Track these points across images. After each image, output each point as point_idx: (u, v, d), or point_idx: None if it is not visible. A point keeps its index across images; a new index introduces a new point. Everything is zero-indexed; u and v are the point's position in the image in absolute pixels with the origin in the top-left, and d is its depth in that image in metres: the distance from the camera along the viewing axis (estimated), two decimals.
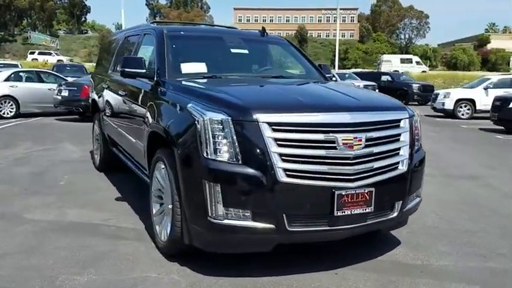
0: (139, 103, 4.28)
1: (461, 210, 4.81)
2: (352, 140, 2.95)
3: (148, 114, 3.90)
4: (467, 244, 3.81)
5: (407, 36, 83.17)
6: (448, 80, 34.90)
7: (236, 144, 2.87)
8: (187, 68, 4.13)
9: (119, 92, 5.06)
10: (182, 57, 4.29)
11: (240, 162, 2.87)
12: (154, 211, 3.72)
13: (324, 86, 3.97)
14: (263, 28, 5.04)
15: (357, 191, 2.96)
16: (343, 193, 2.92)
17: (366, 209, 3.02)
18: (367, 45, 76.59)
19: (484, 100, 15.88)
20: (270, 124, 2.87)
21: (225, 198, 2.86)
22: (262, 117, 2.88)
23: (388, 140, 3.17)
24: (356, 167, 2.97)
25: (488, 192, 5.66)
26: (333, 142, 2.92)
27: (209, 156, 2.90)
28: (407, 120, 3.32)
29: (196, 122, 2.98)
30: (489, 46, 75.03)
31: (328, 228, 2.98)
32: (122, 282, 3.05)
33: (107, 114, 5.69)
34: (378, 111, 3.25)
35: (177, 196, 3.16)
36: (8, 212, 4.54)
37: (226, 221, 2.89)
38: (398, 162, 3.21)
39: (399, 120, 3.29)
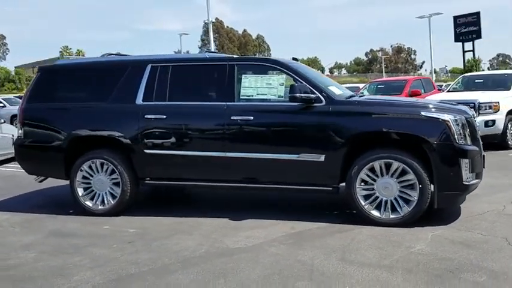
0: (305, 123, 4.90)
1: None
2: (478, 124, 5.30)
3: (329, 129, 4.74)
4: None
5: None
6: None
7: (468, 133, 4.64)
8: (334, 90, 5.16)
9: (233, 119, 5.04)
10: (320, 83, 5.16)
11: (470, 143, 4.64)
12: (363, 203, 4.70)
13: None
14: (294, 58, 6.11)
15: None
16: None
17: None
18: None
19: None
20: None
21: (471, 167, 4.57)
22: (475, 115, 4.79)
23: None
24: None
25: None
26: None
27: (460, 143, 4.53)
28: None
29: (446, 122, 4.50)
30: None
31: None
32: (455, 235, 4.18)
33: (174, 145, 5.26)
34: None
35: (427, 178, 4.51)
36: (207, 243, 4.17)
37: (472, 182, 4.59)
38: None
39: None
